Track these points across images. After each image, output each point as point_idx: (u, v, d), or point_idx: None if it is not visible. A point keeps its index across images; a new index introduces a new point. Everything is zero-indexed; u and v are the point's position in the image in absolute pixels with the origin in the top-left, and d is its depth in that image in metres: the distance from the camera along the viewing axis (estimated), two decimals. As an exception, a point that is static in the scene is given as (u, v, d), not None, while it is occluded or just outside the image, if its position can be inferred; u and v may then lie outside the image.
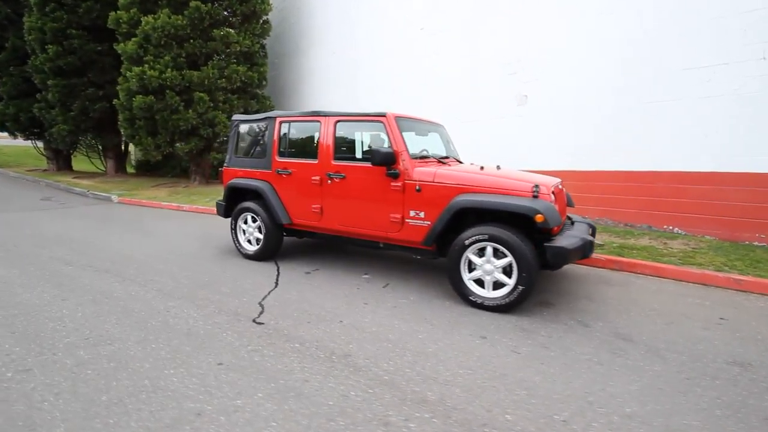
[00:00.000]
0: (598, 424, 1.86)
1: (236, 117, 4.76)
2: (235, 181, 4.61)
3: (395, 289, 3.63)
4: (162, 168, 15.80)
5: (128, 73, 9.83)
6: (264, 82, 11.49)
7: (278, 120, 4.31)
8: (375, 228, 3.72)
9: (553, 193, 3.20)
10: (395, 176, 3.53)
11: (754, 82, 4.78)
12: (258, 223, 4.44)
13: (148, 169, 16.54)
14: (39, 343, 2.51)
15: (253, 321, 2.89)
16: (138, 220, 7.19)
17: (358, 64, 9.91)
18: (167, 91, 9.77)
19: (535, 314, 3.08)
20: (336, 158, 3.91)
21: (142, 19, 9.62)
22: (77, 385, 2.07)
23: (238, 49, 10.38)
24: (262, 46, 11.47)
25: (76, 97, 12.59)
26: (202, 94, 9.90)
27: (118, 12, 10.23)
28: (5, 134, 17.06)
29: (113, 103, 10.98)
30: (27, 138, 16.51)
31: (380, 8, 9.26)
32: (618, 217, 5.90)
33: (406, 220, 3.53)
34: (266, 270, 4.14)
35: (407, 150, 3.54)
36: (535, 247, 3.01)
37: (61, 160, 16.68)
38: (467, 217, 3.34)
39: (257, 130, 4.58)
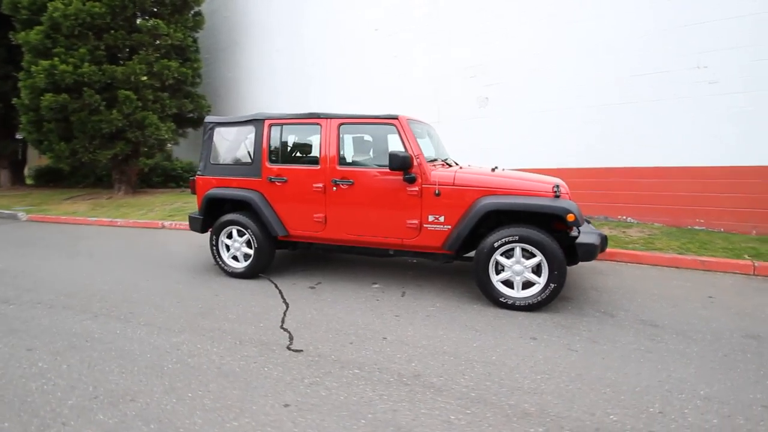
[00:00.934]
0: (688, 410, 1.95)
1: (211, 119, 4.25)
2: (214, 191, 4.11)
3: (415, 296, 3.52)
4: (70, 178, 13.71)
5: (33, 68, 8.32)
6: (198, 80, 10.53)
7: (267, 122, 3.92)
8: (389, 235, 3.57)
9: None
10: (411, 180, 3.40)
11: (688, 88, 5.49)
12: (246, 237, 4.01)
13: (51, 180, 14.26)
14: (33, 413, 1.95)
15: (289, 349, 2.59)
16: (69, 241, 6.12)
17: (306, 62, 9.51)
18: (85, 89, 8.47)
19: (562, 310, 3.19)
20: (342, 163, 3.67)
21: (48, 4, 8.18)
22: (121, 459, 1.66)
23: (169, 42, 9.35)
24: (194, 40, 10.50)
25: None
26: (128, 92, 8.75)
27: (15, -6, 8.64)
28: None
29: (12, 102, 9.21)
30: None
31: (331, 8, 8.98)
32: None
33: (425, 225, 3.44)
34: (263, 288, 3.76)
35: (423, 153, 3.45)
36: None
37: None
38: (486, 220, 3.35)
39: (239, 133, 4.14)
